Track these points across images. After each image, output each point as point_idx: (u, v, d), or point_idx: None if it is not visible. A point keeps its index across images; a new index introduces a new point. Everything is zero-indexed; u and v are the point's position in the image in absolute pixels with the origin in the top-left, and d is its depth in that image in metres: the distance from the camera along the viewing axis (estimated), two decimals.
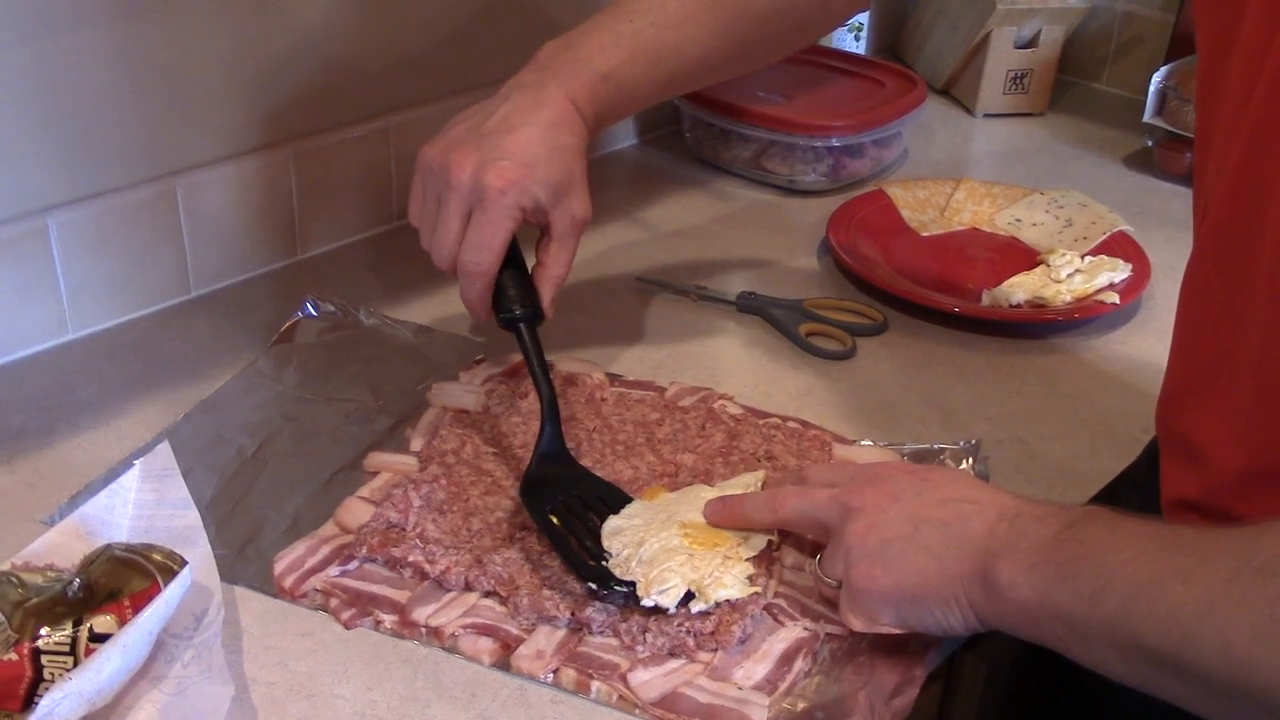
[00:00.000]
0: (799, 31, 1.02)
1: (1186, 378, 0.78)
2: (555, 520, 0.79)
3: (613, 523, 0.79)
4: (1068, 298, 1.11)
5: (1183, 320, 0.78)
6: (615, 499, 0.82)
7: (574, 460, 0.86)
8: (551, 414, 0.85)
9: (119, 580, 0.73)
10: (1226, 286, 0.72)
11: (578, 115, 0.89)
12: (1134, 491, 0.88)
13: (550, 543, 0.78)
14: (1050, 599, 0.62)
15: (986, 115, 1.56)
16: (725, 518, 0.79)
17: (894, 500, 0.71)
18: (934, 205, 1.29)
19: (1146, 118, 1.39)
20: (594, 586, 0.75)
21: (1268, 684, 0.53)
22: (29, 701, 0.66)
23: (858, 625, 0.71)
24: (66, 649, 0.69)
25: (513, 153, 0.85)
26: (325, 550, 0.80)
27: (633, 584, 0.74)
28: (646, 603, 0.74)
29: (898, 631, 0.71)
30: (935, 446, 0.91)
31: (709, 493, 0.84)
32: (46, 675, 0.67)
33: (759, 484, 0.85)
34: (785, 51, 1.05)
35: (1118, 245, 1.19)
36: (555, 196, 0.88)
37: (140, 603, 0.69)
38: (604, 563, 0.76)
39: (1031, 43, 1.53)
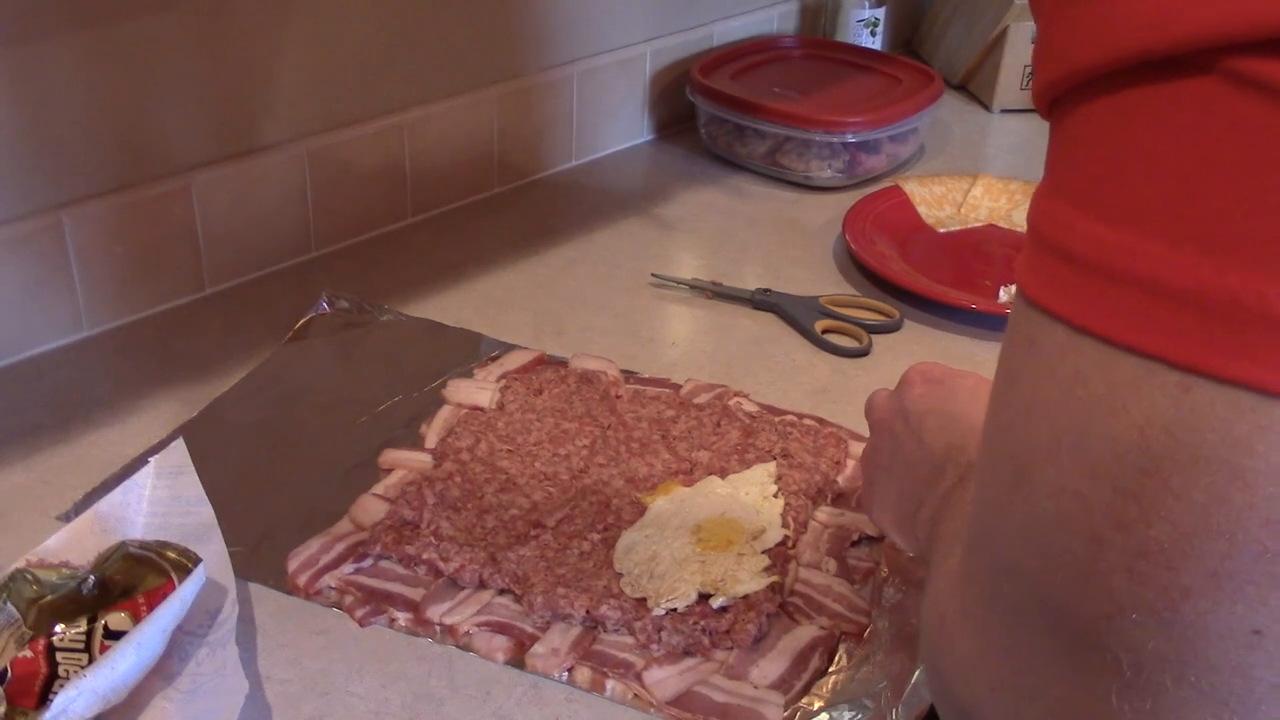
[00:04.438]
0: None
1: None
2: None
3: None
4: None
5: None
6: None
7: None
8: None
9: (134, 577, 0.73)
10: None
11: None
12: None
13: None
14: (928, 557, 0.61)
15: (1004, 110, 1.55)
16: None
17: (889, 426, 0.72)
18: (951, 201, 1.28)
19: None
20: None
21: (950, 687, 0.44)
22: (44, 698, 0.66)
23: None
24: (81, 646, 0.69)
25: None
26: (340, 548, 0.79)
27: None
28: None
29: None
30: None
31: (722, 486, 0.84)
32: (61, 672, 0.67)
33: (771, 476, 0.85)
34: None
35: None
36: None
37: (155, 600, 0.69)
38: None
39: None
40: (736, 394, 0.96)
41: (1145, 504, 0.33)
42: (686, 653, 0.73)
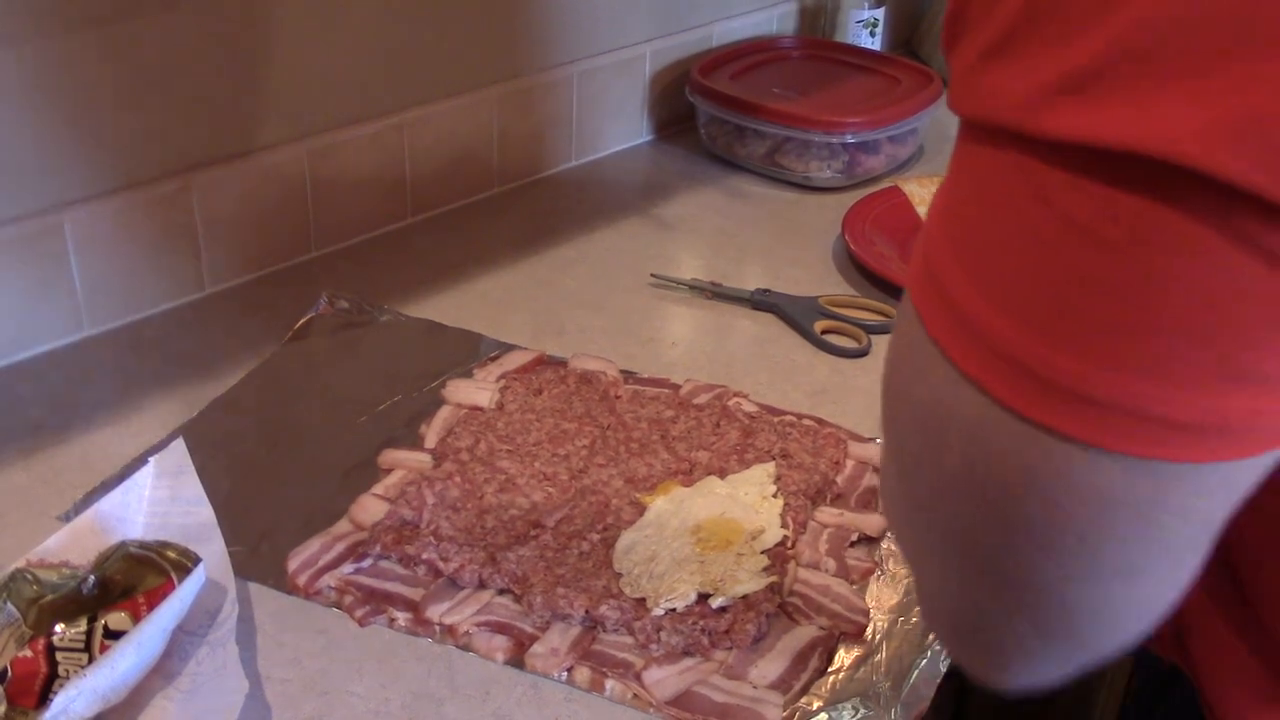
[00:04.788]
0: None
1: None
2: None
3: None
4: None
5: None
6: None
7: None
8: None
9: (134, 577, 0.73)
10: None
11: None
12: None
13: None
14: None
15: None
16: None
17: None
18: None
19: None
20: None
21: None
22: (44, 698, 0.66)
23: None
24: (81, 646, 0.69)
25: None
26: (339, 547, 0.80)
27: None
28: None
29: None
30: None
31: (722, 487, 0.84)
32: (61, 672, 0.67)
33: (770, 476, 0.85)
34: None
35: None
36: None
37: (155, 600, 0.69)
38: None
39: None
40: (736, 394, 0.96)
41: (931, 447, 0.43)
42: (686, 653, 0.73)
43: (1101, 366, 0.36)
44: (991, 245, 0.39)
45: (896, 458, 0.47)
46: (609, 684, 0.71)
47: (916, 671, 0.72)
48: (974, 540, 0.44)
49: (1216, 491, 0.39)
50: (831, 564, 0.80)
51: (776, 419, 0.93)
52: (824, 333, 1.06)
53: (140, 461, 0.84)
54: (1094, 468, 0.38)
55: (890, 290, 1.12)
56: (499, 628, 0.74)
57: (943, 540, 0.46)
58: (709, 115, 1.37)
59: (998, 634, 0.47)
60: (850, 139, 1.31)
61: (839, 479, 0.88)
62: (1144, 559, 0.41)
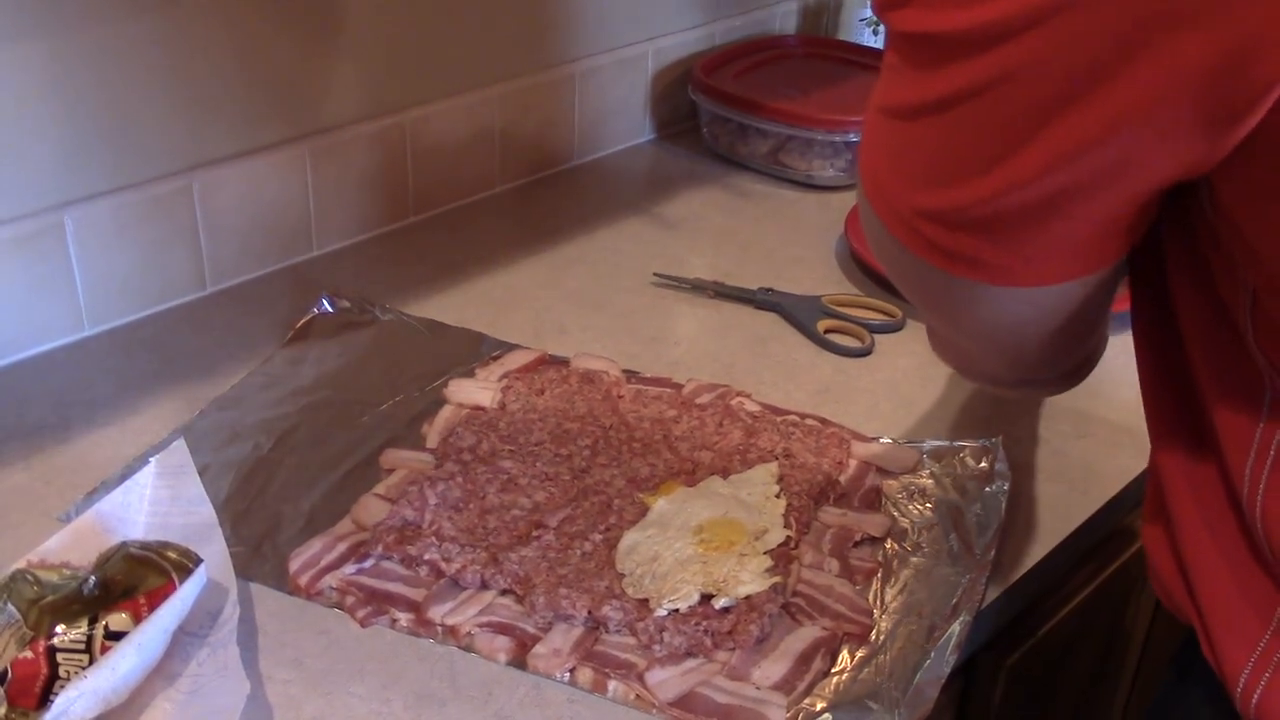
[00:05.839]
0: None
1: None
2: None
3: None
4: None
5: None
6: None
7: None
8: None
9: (135, 578, 0.73)
10: None
11: None
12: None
13: None
14: None
15: None
16: None
17: None
18: None
19: None
20: None
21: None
22: (45, 699, 0.66)
23: None
24: (82, 647, 0.69)
25: None
26: (341, 548, 0.79)
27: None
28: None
29: None
30: (955, 444, 0.90)
31: (724, 487, 0.84)
32: (62, 673, 0.67)
33: (773, 476, 0.85)
34: None
35: None
36: None
37: (156, 600, 0.69)
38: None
39: None
40: (739, 394, 0.96)
41: (883, 256, 0.64)
42: (689, 654, 0.73)
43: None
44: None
45: (874, 245, 0.65)
46: (611, 685, 0.71)
47: (921, 673, 0.72)
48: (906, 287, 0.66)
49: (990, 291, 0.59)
50: (835, 564, 0.80)
51: (779, 419, 0.92)
52: (827, 332, 1.06)
53: (141, 461, 0.84)
54: (929, 270, 0.60)
55: (893, 290, 1.11)
56: (501, 628, 0.74)
57: (900, 283, 0.66)
58: (711, 114, 1.36)
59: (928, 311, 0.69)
60: (853, 138, 1.30)
61: (842, 479, 0.87)
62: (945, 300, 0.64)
